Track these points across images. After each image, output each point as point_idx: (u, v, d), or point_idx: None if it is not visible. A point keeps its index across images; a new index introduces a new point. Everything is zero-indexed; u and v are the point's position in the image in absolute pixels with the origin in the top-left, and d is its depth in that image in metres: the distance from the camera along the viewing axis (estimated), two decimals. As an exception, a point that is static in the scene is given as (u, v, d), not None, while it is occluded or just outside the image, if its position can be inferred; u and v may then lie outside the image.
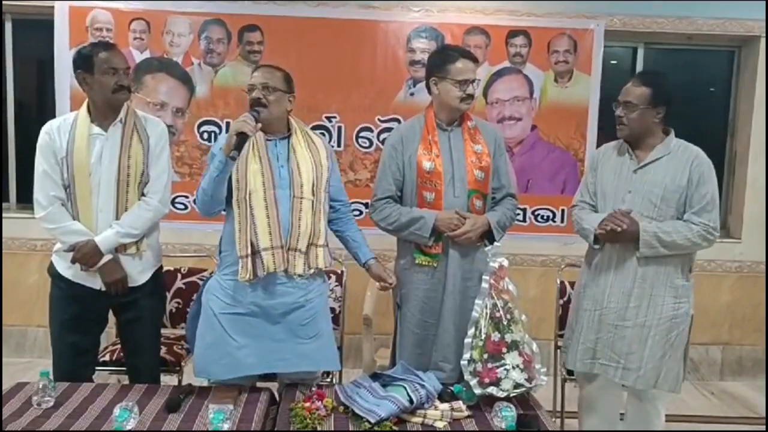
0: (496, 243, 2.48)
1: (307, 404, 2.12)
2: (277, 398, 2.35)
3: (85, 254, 2.40)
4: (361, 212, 3.96)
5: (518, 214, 3.89)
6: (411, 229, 2.51)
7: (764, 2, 3.93)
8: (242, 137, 2.20)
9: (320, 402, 2.14)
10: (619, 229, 2.43)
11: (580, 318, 2.62)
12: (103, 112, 2.44)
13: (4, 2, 3.84)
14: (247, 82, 2.40)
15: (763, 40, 4.08)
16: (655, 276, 2.50)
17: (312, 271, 2.38)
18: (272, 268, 2.29)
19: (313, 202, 2.36)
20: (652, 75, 2.63)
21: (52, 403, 2.14)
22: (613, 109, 2.58)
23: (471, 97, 2.52)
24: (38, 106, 4.32)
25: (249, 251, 2.29)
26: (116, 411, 2.02)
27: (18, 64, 4.14)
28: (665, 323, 2.51)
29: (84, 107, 2.47)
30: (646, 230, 2.45)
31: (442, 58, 2.55)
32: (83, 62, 2.41)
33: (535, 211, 4.08)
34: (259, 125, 2.26)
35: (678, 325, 2.53)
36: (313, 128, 3.92)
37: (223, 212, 2.41)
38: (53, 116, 3.63)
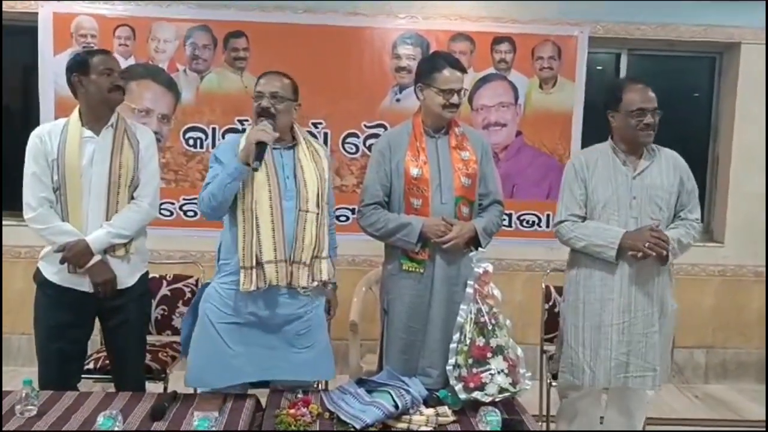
0: (481, 248, 2.49)
1: (293, 410, 2.11)
2: (264, 405, 2.35)
3: (76, 253, 2.40)
4: (348, 218, 3.97)
5: (504, 220, 3.92)
6: (398, 235, 2.52)
7: (745, 10, 3.99)
8: (261, 146, 2.21)
9: (305, 408, 2.13)
10: (664, 253, 2.47)
11: (605, 333, 2.56)
12: (97, 115, 2.46)
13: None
14: (255, 88, 2.37)
15: (743, 47, 4.14)
16: (664, 278, 2.59)
17: (315, 283, 2.37)
18: (275, 281, 2.29)
19: (317, 215, 2.35)
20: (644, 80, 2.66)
21: (35, 412, 2.12)
22: (636, 117, 2.51)
23: (455, 105, 2.52)
24: (23, 113, 4.28)
25: (253, 263, 2.27)
26: (100, 419, 2.01)
27: (4, 70, 4.11)
28: (669, 319, 2.62)
29: (75, 112, 2.49)
30: (673, 239, 2.50)
31: (429, 66, 2.55)
32: (79, 66, 2.45)
33: (520, 216, 4.10)
34: (277, 134, 2.28)
35: (672, 319, 2.64)
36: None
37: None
38: (38, 122, 3.62)
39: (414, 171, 2.53)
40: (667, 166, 2.60)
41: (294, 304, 2.36)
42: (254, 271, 2.27)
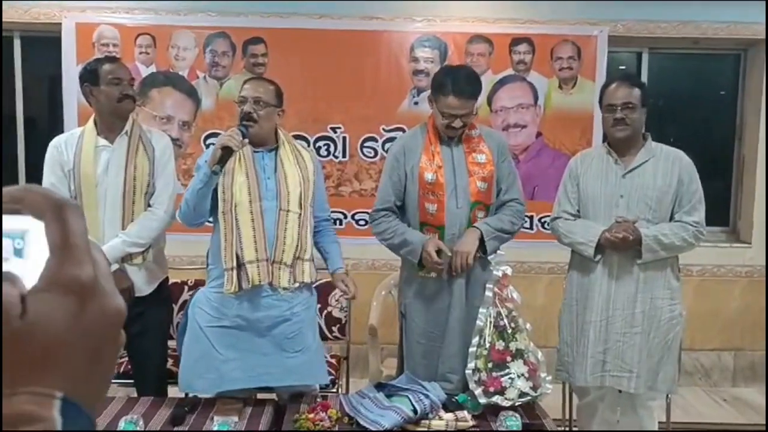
0: (500, 252, 2.47)
1: (311, 415, 2.12)
2: (282, 409, 2.35)
3: None
4: (366, 222, 3.97)
5: (525, 222, 3.88)
6: (401, 251, 2.52)
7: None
8: (227, 152, 2.23)
9: (324, 413, 2.14)
10: (631, 237, 2.45)
11: (585, 331, 2.59)
12: (110, 124, 2.49)
13: (11, 20, 3.89)
14: (238, 94, 2.42)
15: (768, 43, 4.06)
16: (654, 279, 2.54)
17: (297, 285, 2.36)
18: (257, 281, 2.29)
19: (299, 215, 2.36)
20: (635, 77, 2.71)
21: (58, 417, 2.15)
22: (607, 113, 2.58)
23: (455, 129, 2.46)
24: (49, 123, 4.35)
25: (234, 264, 2.29)
26: (121, 424, 2.03)
27: (27, 81, 4.18)
28: (664, 325, 2.55)
29: (90, 121, 2.52)
30: (648, 235, 2.47)
31: (438, 84, 2.47)
32: (89, 76, 2.47)
33: (541, 218, 4.05)
34: (246, 140, 2.29)
35: (674, 326, 2.57)
36: (318, 139, 3.98)
37: (209, 223, 2.42)
38: (63, 132, 3.68)
39: (428, 176, 2.50)
40: (666, 166, 2.56)
41: (280, 305, 2.35)
42: (235, 272, 2.29)
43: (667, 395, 2.91)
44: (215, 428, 2.08)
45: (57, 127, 4.00)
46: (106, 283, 0.42)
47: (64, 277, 0.39)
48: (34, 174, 4.11)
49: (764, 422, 3.73)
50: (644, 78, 4.24)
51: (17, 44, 4.12)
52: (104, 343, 0.41)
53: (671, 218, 2.57)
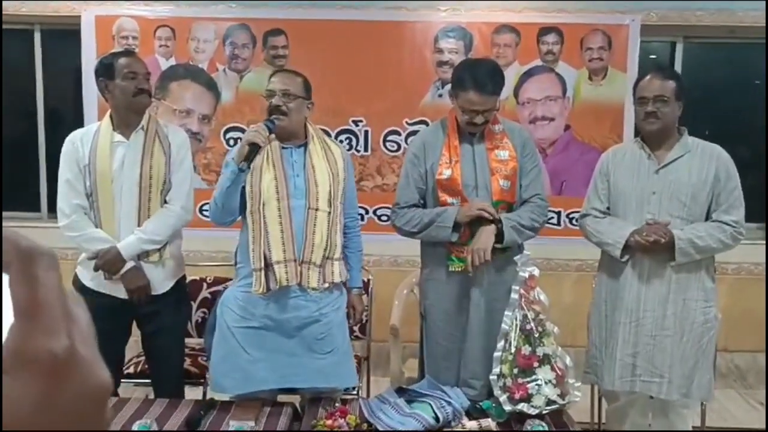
0: (525, 252, 2.36)
1: (329, 421, 2.05)
2: (300, 412, 2.29)
3: (108, 261, 2.38)
4: (389, 217, 3.88)
5: (551, 218, 3.76)
6: (435, 223, 2.37)
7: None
8: (253, 148, 2.16)
9: (343, 419, 2.07)
10: (663, 240, 2.34)
11: (614, 333, 2.48)
12: (125, 119, 2.44)
13: (31, 14, 3.87)
14: (265, 87, 2.35)
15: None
16: (687, 280, 2.42)
17: (327, 285, 2.30)
18: (285, 281, 2.23)
19: (329, 213, 2.28)
20: (670, 69, 2.59)
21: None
22: (638, 106, 2.48)
23: (477, 125, 2.36)
24: (71, 116, 4.33)
25: (262, 264, 2.23)
26: (135, 427, 1.99)
27: (48, 74, 4.16)
28: (698, 328, 2.43)
29: (107, 116, 2.48)
30: (681, 238, 2.35)
31: (458, 79, 2.36)
32: (105, 70, 2.43)
33: (569, 214, 3.93)
34: (272, 136, 2.22)
35: (709, 330, 2.46)
36: (340, 132, 3.90)
37: (239, 220, 2.36)
38: (84, 126, 3.65)
39: (447, 173, 2.39)
40: (701, 161, 2.44)
41: (309, 306, 2.29)
42: (263, 272, 2.23)
43: (702, 402, 2.80)
44: (231, 431, 2.02)
45: (78, 121, 3.97)
46: (86, 350, 0.34)
47: (31, 350, 0.32)
48: (56, 169, 4.10)
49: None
50: (678, 68, 4.08)
51: (37, 37, 4.10)
52: (85, 425, 0.34)
53: (707, 217, 2.44)
